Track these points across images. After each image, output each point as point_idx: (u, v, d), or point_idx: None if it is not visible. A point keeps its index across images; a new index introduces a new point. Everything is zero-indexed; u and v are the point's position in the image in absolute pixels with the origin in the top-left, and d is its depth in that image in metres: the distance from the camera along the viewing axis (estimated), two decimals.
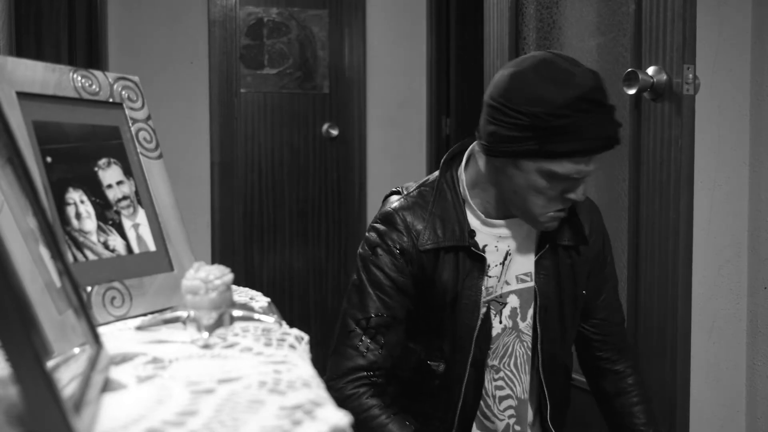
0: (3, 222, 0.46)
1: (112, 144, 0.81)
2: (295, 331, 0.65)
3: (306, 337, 0.65)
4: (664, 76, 1.62)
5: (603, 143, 1.15)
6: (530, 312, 1.31)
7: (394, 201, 1.30)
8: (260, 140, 3.30)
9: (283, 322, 0.69)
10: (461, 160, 1.32)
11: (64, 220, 0.72)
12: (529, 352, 1.32)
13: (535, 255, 1.30)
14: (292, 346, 0.61)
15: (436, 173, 1.33)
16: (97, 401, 0.46)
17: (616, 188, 1.87)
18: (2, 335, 0.36)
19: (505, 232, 1.29)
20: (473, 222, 1.28)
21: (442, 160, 1.33)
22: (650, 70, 1.65)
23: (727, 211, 1.99)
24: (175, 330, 0.66)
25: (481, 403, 1.30)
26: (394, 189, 1.35)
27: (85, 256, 0.72)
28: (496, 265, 1.29)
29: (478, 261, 1.26)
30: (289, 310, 3.32)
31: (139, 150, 0.84)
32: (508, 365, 1.30)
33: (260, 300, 0.83)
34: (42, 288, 0.49)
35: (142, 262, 0.78)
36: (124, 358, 0.58)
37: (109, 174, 0.79)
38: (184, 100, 3.07)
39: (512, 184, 1.21)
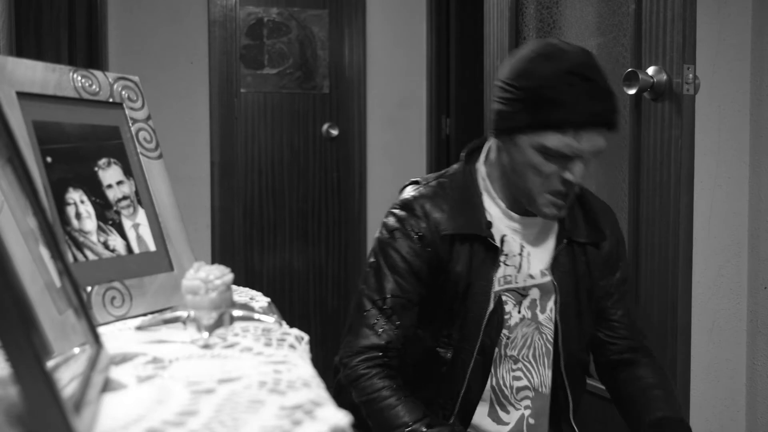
0: (3, 222, 0.46)
1: (112, 144, 0.81)
2: (295, 331, 0.65)
3: (306, 337, 0.65)
4: (664, 76, 1.62)
5: (590, 118, 1.17)
6: (549, 304, 1.32)
7: (413, 189, 1.33)
8: (260, 140, 3.30)
9: (283, 322, 0.69)
10: (480, 154, 1.35)
11: (64, 220, 0.72)
12: (549, 346, 1.32)
13: (554, 251, 1.31)
14: (292, 346, 0.61)
15: (456, 165, 1.36)
16: (97, 401, 0.46)
17: (616, 188, 1.87)
18: (2, 335, 0.36)
19: (523, 227, 1.31)
20: (493, 211, 1.31)
21: (462, 154, 1.37)
22: (650, 70, 1.65)
23: (727, 211, 1.99)
24: (175, 330, 0.66)
25: (498, 392, 1.31)
26: (413, 180, 1.38)
27: (85, 256, 0.72)
28: (515, 255, 1.30)
29: (491, 251, 1.28)
30: (289, 310, 3.32)
31: (139, 150, 0.84)
32: (527, 356, 1.31)
33: (260, 300, 0.83)
34: (42, 288, 0.49)
35: (142, 262, 0.78)
36: (124, 358, 0.58)
37: (109, 174, 0.79)
38: (184, 100, 3.07)
39: (513, 163, 1.24)
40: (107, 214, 0.77)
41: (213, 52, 3.11)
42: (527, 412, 1.31)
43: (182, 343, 0.63)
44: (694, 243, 1.67)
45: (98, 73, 0.82)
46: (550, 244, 1.33)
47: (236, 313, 0.68)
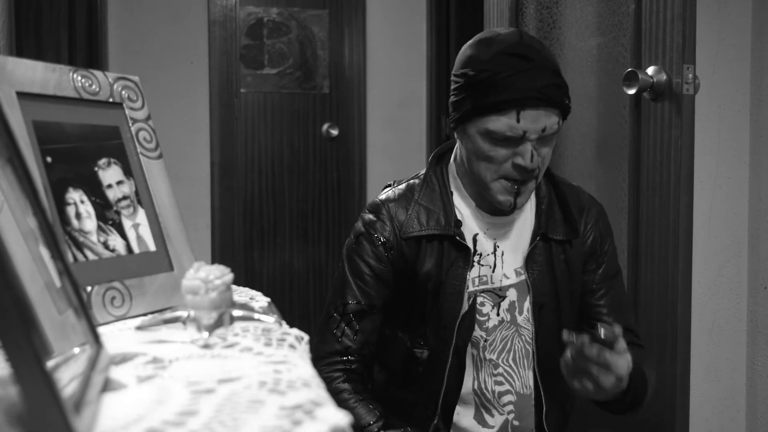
0: (3, 222, 0.46)
1: (112, 144, 0.81)
2: (295, 331, 0.65)
3: (306, 337, 0.65)
4: (664, 76, 1.62)
5: (526, 95, 1.16)
6: (525, 305, 1.31)
7: (384, 193, 1.36)
8: (260, 140, 3.30)
9: (283, 322, 0.69)
10: (451, 154, 1.36)
11: (64, 220, 0.72)
12: (529, 347, 1.31)
13: (528, 247, 1.30)
14: (292, 346, 0.61)
15: (426, 168, 1.37)
16: (97, 401, 0.46)
17: (616, 188, 1.87)
18: (2, 335, 0.36)
19: (496, 225, 1.31)
20: (464, 211, 1.31)
21: (431, 156, 1.38)
22: (650, 70, 1.65)
23: (727, 211, 1.99)
24: (175, 330, 0.66)
25: (481, 396, 1.30)
26: (388, 183, 1.40)
27: (85, 256, 0.72)
28: (488, 254, 1.29)
29: (463, 250, 1.27)
30: (289, 310, 3.32)
31: (139, 150, 0.84)
32: (507, 360, 1.30)
33: (260, 300, 0.83)
34: (42, 288, 0.49)
35: (142, 262, 0.78)
36: (124, 358, 0.58)
37: (109, 174, 0.79)
38: (184, 100, 3.07)
39: (467, 153, 1.25)
40: (107, 214, 0.77)
41: (213, 52, 3.11)
42: (511, 416, 1.31)
43: (182, 343, 0.63)
44: (694, 243, 1.67)
45: (98, 73, 0.82)
46: (524, 242, 1.32)
47: (236, 313, 0.68)
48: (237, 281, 0.75)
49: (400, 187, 1.35)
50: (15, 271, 0.38)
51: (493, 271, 1.29)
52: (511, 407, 1.31)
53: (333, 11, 3.36)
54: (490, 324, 1.29)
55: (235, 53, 3.20)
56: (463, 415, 1.31)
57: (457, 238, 1.27)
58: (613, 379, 1.09)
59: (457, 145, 1.33)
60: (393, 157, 3.42)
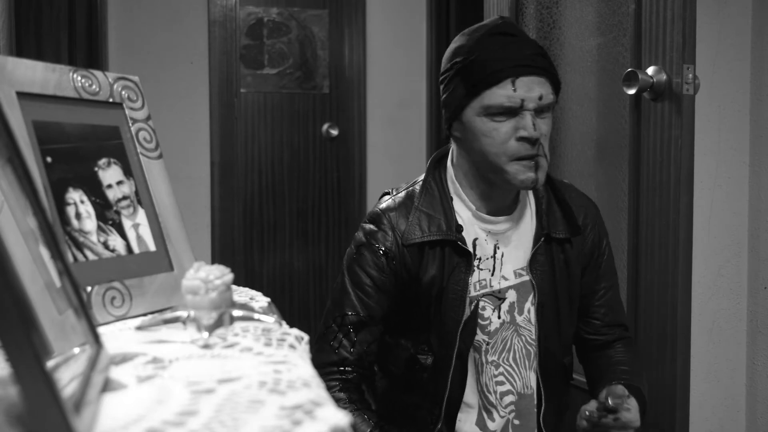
0: (3, 222, 0.46)
1: (112, 144, 0.81)
2: (295, 331, 0.65)
3: (306, 337, 0.65)
4: (664, 76, 1.62)
5: (518, 63, 1.19)
6: (527, 305, 1.31)
7: (383, 202, 1.35)
8: (260, 140, 3.30)
9: (283, 322, 0.69)
10: (447, 159, 1.36)
11: (64, 220, 0.72)
12: (529, 347, 1.32)
13: (532, 249, 1.30)
14: (292, 346, 0.61)
15: (424, 174, 1.36)
16: (97, 401, 0.46)
17: (616, 188, 1.87)
18: (2, 335, 0.36)
19: (496, 227, 1.31)
20: (464, 215, 1.30)
21: (429, 161, 1.37)
22: (650, 70, 1.65)
23: (727, 211, 1.99)
24: (175, 330, 0.66)
25: (484, 399, 1.31)
26: (386, 191, 1.40)
27: (85, 256, 0.72)
28: (487, 258, 1.29)
29: (464, 255, 1.27)
30: (289, 310, 3.32)
31: (139, 150, 0.84)
32: (507, 360, 1.31)
33: (260, 300, 0.83)
34: (42, 288, 0.49)
35: (142, 262, 0.78)
36: (124, 358, 0.58)
37: (109, 174, 0.79)
38: (184, 100, 3.07)
39: (470, 145, 1.25)
40: (107, 214, 0.77)
41: (213, 52, 3.11)
42: (512, 416, 1.31)
43: (182, 343, 0.63)
44: (694, 243, 1.67)
45: (98, 73, 0.82)
46: (526, 243, 1.32)
47: (236, 313, 0.68)
48: (237, 281, 0.75)
49: (399, 195, 1.34)
50: (15, 271, 0.38)
51: (492, 275, 1.30)
52: (512, 407, 1.31)
53: (333, 11, 3.36)
54: (492, 327, 1.30)
55: (235, 53, 3.20)
56: (465, 421, 1.31)
57: (459, 243, 1.26)
58: (632, 429, 1.19)
59: (453, 148, 1.33)
60: (393, 157, 3.42)
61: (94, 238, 0.74)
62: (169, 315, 0.67)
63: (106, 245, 0.75)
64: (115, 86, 0.83)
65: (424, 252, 1.28)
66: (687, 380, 1.68)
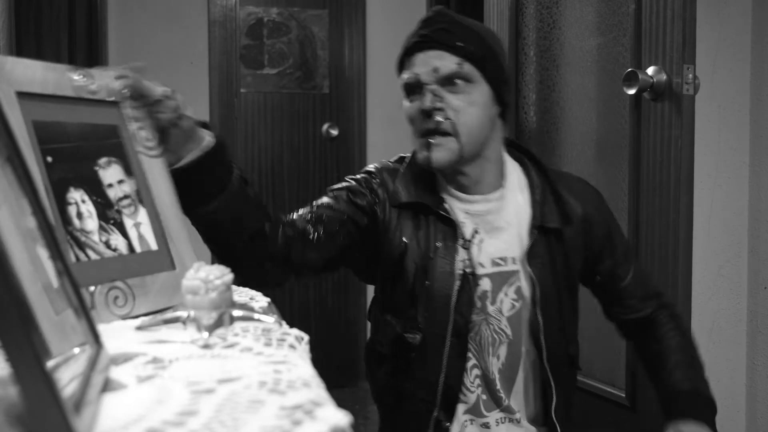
0: (2, 222, 0.46)
1: (112, 143, 0.81)
2: (295, 331, 0.65)
3: (306, 337, 0.65)
4: (664, 76, 1.62)
5: (412, 42, 1.26)
6: (500, 296, 1.27)
7: (372, 165, 1.38)
8: (260, 140, 3.30)
9: (283, 322, 0.69)
10: None
11: (66, 220, 0.72)
12: (495, 336, 1.28)
13: (529, 240, 1.27)
14: (292, 346, 0.61)
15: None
16: (97, 401, 0.46)
17: (616, 188, 1.87)
18: (2, 335, 0.36)
19: (473, 207, 1.29)
20: (445, 195, 1.30)
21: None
22: (650, 70, 1.65)
23: (727, 211, 1.99)
24: (175, 330, 0.66)
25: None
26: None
27: (87, 255, 0.72)
28: (467, 240, 1.26)
29: (449, 227, 1.25)
30: (289, 310, 3.32)
31: (138, 148, 0.84)
32: (474, 339, 1.28)
33: (260, 300, 0.83)
34: (41, 288, 0.49)
35: (144, 261, 0.78)
36: (124, 358, 0.58)
37: (110, 173, 0.79)
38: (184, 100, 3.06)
39: None
40: (108, 213, 0.77)
41: (213, 52, 3.11)
42: (479, 390, 1.28)
43: (182, 343, 0.63)
44: (694, 243, 1.67)
45: (96, 72, 0.82)
46: (510, 232, 1.28)
47: (236, 313, 0.68)
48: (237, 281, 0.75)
49: (391, 161, 1.38)
50: (15, 271, 0.38)
51: (470, 259, 1.26)
52: (480, 381, 1.28)
53: (333, 11, 3.36)
54: (476, 307, 1.28)
55: (235, 53, 3.20)
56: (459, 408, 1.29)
57: (443, 212, 1.25)
58: None
59: None
60: (393, 157, 3.42)
61: (96, 237, 0.74)
62: (169, 315, 0.67)
63: (107, 244, 0.75)
64: (113, 85, 0.84)
65: (403, 217, 1.27)
66: None
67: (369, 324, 1.43)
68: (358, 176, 1.35)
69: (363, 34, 3.37)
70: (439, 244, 1.25)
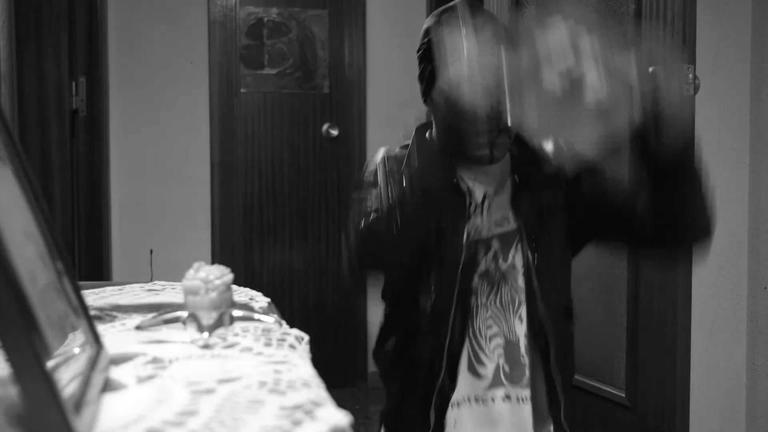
0: (3, 222, 0.46)
1: None
2: (295, 331, 0.65)
3: (306, 337, 0.65)
4: None
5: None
6: (511, 253, 1.32)
7: (379, 153, 1.37)
8: (260, 140, 3.30)
9: (283, 322, 0.69)
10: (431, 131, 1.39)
11: None
12: (513, 293, 1.32)
13: (510, 194, 1.32)
14: (292, 346, 0.61)
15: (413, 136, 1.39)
16: (97, 401, 0.46)
17: None
18: (2, 335, 0.36)
19: (481, 176, 1.33)
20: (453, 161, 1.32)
21: (415, 129, 1.40)
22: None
23: (727, 211, 1.99)
24: (175, 330, 0.66)
25: (473, 345, 1.31)
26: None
27: None
28: (478, 205, 1.32)
29: (460, 196, 1.30)
30: (289, 310, 3.32)
31: None
32: (495, 303, 1.32)
33: (260, 300, 0.83)
34: (42, 288, 0.49)
35: None
36: (124, 358, 0.58)
37: None
38: (184, 100, 3.07)
39: (437, 122, 1.35)
40: None
41: (213, 52, 3.11)
42: (501, 361, 1.31)
43: (182, 343, 0.63)
44: None
45: None
46: (506, 191, 1.34)
47: (236, 313, 0.68)
48: (237, 281, 0.75)
49: (397, 151, 1.37)
50: (15, 271, 0.38)
51: (482, 222, 1.31)
52: (500, 351, 1.31)
53: (333, 11, 3.36)
54: (481, 270, 1.31)
55: (235, 53, 3.20)
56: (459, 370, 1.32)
57: (455, 180, 1.29)
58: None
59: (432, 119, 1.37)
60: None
61: None
62: (169, 315, 0.67)
63: None
64: None
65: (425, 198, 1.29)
66: (687, 380, 1.68)
67: (383, 303, 1.45)
68: (379, 174, 1.32)
69: (363, 34, 3.37)
70: (451, 213, 1.29)
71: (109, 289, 0.89)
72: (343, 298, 3.38)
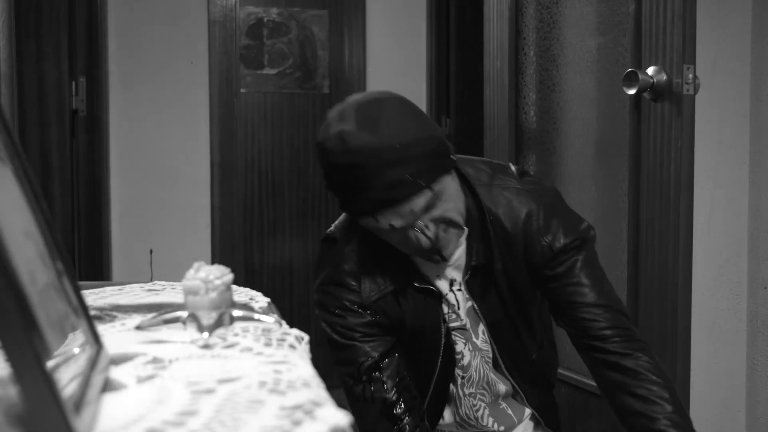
0: (3, 222, 0.46)
1: None
2: (295, 331, 0.65)
3: (306, 337, 0.65)
4: (664, 77, 1.62)
5: (367, 208, 1.12)
6: (480, 327, 1.28)
7: (333, 259, 1.26)
8: (260, 140, 3.30)
9: (283, 322, 0.69)
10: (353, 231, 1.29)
11: None
12: (488, 358, 1.30)
13: (463, 278, 1.23)
14: (292, 346, 0.61)
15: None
16: (97, 401, 0.46)
17: (616, 188, 1.87)
18: (2, 335, 0.36)
19: (441, 270, 1.25)
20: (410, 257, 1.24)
21: (322, 240, 1.30)
22: (650, 70, 1.65)
23: (727, 211, 1.99)
24: (175, 330, 0.66)
25: (463, 424, 1.33)
26: (328, 236, 1.30)
27: None
28: (447, 293, 1.25)
29: (431, 292, 1.24)
30: (289, 310, 3.32)
31: None
32: (481, 386, 1.31)
33: (260, 300, 0.83)
34: (42, 288, 0.49)
35: None
36: (124, 358, 0.58)
37: None
38: (184, 100, 3.07)
39: None
40: None
41: (213, 52, 3.11)
42: (491, 420, 1.33)
43: (182, 343, 0.63)
44: (694, 243, 1.67)
45: None
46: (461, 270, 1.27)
47: (236, 313, 0.68)
48: (237, 281, 0.75)
49: (350, 247, 1.25)
50: (15, 271, 0.38)
51: (458, 308, 1.26)
52: (488, 412, 1.33)
53: (333, 11, 3.36)
54: (465, 361, 1.28)
55: (235, 53, 3.20)
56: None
57: (416, 284, 1.22)
58: None
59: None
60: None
61: None
62: (169, 315, 0.67)
63: None
64: None
65: (398, 296, 1.24)
66: (687, 380, 1.68)
67: None
68: (344, 304, 1.24)
69: (363, 34, 3.37)
70: (424, 307, 1.24)
71: (109, 289, 0.89)
72: None
